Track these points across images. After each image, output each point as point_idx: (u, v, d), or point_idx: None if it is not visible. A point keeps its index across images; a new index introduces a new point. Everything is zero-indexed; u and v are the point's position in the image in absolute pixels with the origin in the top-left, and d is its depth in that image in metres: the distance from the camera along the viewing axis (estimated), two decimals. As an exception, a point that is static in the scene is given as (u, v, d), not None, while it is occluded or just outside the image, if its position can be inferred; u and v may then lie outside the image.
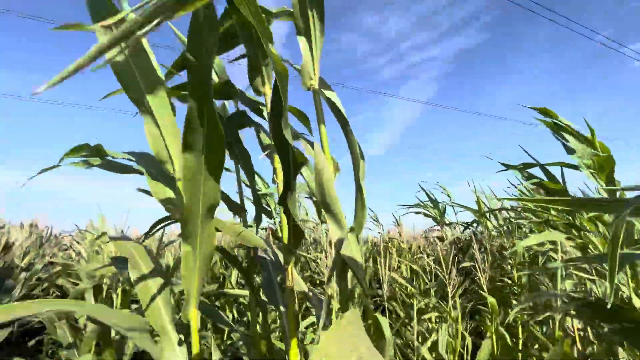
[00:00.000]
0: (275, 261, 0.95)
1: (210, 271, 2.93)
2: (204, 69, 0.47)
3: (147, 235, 0.87)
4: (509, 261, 2.83)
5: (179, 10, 0.36)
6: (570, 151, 2.14)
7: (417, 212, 4.99)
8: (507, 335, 1.74)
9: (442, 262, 1.92)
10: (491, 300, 1.34)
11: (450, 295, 1.64)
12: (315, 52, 0.71)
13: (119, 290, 1.72)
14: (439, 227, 5.06)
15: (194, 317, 0.60)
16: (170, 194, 0.73)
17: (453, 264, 3.05)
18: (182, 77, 0.94)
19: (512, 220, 3.29)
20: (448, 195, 5.18)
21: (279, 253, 0.96)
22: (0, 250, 2.35)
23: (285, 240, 0.73)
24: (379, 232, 5.51)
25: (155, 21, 0.33)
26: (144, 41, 0.65)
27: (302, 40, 0.70)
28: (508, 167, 2.12)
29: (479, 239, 4.33)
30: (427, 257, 3.42)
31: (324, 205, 0.63)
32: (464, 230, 4.89)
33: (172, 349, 0.64)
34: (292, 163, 0.64)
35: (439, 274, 1.76)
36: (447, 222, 5.04)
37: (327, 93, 0.71)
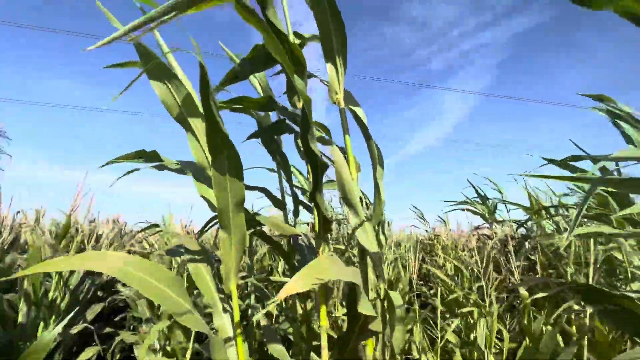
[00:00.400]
0: (310, 247, 1.11)
1: (260, 262, 3.21)
2: (208, 104, 0.66)
3: (203, 231, 1.08)
4: (566, 260, 2.67)
5: (189, 9, 0.50)
6: (628, 140, 1.99)
7: (463, 209, 4.83)
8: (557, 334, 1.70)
9: (478, 259, 1.91)
10: (524, 294, 1.34)
11: (486, 292, 1.65)
12: (340, 72, 0.84)
13: (185, 275, 2.02)
14: (488, 225, 4.85)
15: (233, 288, 0.78)
16: (211, 193, 0.93)
17: (504, 262, 2.97)
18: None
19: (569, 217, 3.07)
20: (499, 192, 4.93)
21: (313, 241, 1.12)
22: (93, 241, 2.85)
23: (317, 228, 0.88)
24: (426, 230, 5.42)
25: (169, 15, 0.46)
26: (186, 80, 0.86)
27: (328, 63, 0.84)
28: (550, 161, 2.02)
29: (532, 238, 4.08)
30: (472, 256, 3.34)
31: (344, 198, 0.76)
32: (517, 229, 4.62)
33: (219, 314, 0.83)
34: (319, 168, 0.78)
35: (476, 270, 1.77)
36: (499, 220, 4.79)
37: (353, 108, 0.84)
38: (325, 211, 0.82)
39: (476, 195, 4.89)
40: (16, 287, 2.43)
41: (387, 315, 0.78)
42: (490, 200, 4.88)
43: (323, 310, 0.79)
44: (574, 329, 1.78)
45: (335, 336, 1.00)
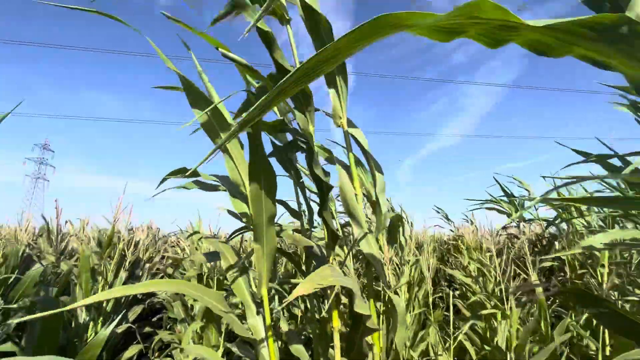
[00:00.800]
0: (322, 256, 1.20)
1: (285, 267, 3.35)
2: (257, 137, 0.76)
3: (230, 238, 1.21)
4: (598, 260, 2.58)
5: (256, 119, 0.62)
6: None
7: (489, 208, 4.73)
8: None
9: (497, 261, 1.91)
10: (541, 299, 1.35)
11: (505, 295, 1.67)
12: (342, 99, 0.94)
13: (215, 278, 2.18)
14: (515, 224, 4.73)
15: (265, 293, 0.89)
16: (244, 207, 1.04)
17: (532, 263, 2.92)
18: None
19: (606, 215, 2.94)
20: (526, 190, 4.80)
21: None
22: (132, 247, 3.11)
23: (326, 240, 0.97)
24: (451, 230, 5.37)
25: (245, 126, 0.59)
26: (222, 106, 0.97)
27: (331, 92, 0.93)
28: (584, 155, 1.96)
29: (562, 237, 3.96)
30: (496, 257, 3.29)
31: (348, 212, 0.86)
32: (546, 227, 4.46)
33: (253, 316, 0.94)
34: (325, 189, 0.88)
35: (487, 272, 1.79)
36: (525, 219, 4.66)
37: (353, 131, 0.94)
38: (333, 225, 0.92)
39: (502, 193, 4.78)
40: (69, 290, 2.72)
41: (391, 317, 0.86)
42: (517, 199, 4.77)
43: (335, 313, 0.88)
44: (606, 332, 1.75)
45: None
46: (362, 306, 0.71)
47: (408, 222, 5.68)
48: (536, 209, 4.62)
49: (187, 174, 1.22)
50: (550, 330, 1.70)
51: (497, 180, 4.73)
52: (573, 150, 2.06)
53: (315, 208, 1.80)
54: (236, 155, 1.00)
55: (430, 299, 2.33)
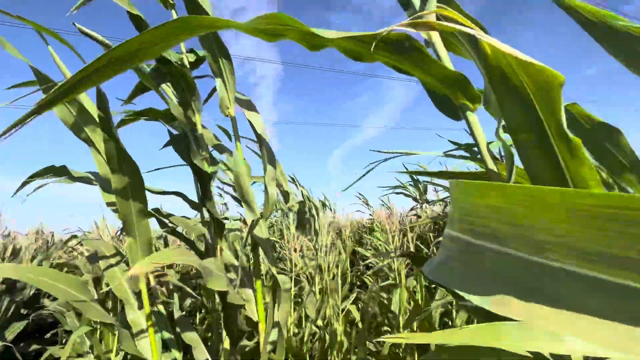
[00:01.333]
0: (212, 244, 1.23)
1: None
2: (109, 127, 0.74)
3: (121, 234, 1.14)
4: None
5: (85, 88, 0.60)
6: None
7: (397, 193, 5.27)
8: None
9: (398, 239, 2.20)
10: (417, 268, 1.60)
11: (396, 268, 1.92)
12: (230, 88, 0.95)
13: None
14: (419, 206, 5.36)
15: (143, 287, 0.87)
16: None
17: (432, 238, 3.34)
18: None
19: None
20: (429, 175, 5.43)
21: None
22: (9, 256, 2.64)
23: (213, 228, 0.99)
24: (370, 214, 5.85)
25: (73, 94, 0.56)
26: (86, 98, 0.91)
27: (218, 81, 0.94)
28: (457, 145, 2.31)
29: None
30: (403, 236, 3.70)
31: (241, 197, 0.89)
32: (444, 207, 5.16)
33: (134, 311, 0.91)
34: (206, 178, 0.89)
35: (386, 248, 2.03)
36: (429, 200, 5.31)
37: (250, 114, 0.96)
38: (217, 214, 0.94)
39: (410, 179, 5.37)
40: None
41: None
42: (421, 184, 5.40)
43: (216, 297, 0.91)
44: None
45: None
46: (217, 283, 0.76)
47: (331, 209, 5.94)
48: (436, 192, 5.31)
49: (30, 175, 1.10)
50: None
51: (405, 167, 5.28)
52: (449, 141, 2.43)
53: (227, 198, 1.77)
54: (102, 149, 0.95)
55: (348, 279, 2.53)
